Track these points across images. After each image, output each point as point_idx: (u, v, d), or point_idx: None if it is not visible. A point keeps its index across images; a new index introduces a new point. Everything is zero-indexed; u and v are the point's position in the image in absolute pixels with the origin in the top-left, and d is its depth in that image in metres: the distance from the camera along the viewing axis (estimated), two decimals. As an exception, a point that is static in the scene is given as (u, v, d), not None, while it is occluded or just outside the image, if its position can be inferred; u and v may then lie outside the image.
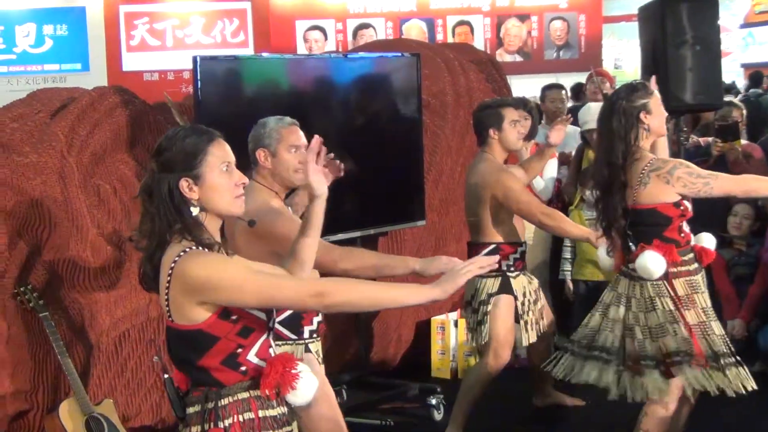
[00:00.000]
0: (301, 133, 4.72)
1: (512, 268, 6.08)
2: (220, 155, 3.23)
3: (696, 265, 5.10)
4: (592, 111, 8.04)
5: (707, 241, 5.21)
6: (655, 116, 5.04)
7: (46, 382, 5.70)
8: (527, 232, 6.66)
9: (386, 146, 6.87)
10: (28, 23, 12.99)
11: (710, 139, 8.15)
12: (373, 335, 7.30)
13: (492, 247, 6.06)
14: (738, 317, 7.34)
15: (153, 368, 6.04)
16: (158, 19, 13.53)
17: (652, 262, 4.96)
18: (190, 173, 3.19)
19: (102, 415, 5.56)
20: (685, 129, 7.65)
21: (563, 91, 9.02)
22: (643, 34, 7.52)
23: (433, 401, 6.78)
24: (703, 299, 5.04)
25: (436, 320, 7.69)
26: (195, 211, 3.21)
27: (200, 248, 3.17)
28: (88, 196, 5.86)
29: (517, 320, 6.10)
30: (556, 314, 6.71)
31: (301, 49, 14.23)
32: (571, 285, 7.84)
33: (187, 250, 3.14)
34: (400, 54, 7.36)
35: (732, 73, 16.15)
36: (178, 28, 13.57)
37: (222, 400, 3.21)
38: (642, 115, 5.00)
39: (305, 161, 4.60)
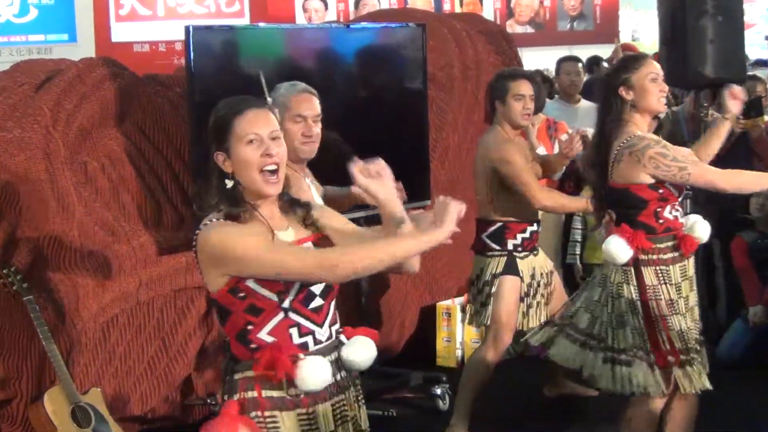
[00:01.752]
0: (316, 102, 4.69)
1: (519, 248, 6.08)
2: (245, 127, 3.33)
3: (674, 254, 5.01)
4: None
5: (700, 228, 5.11)
6: (641, 92, 4.96)
7: (30, 370, 5.71)
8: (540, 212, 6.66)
9: (390, 122, 6.84)
10: (11, -9, 12.93)
11: (732, 115, 8.11)
12: (375, 321, 7.30)
13: (498, 225, 6.07)
14: (760, 303, 7.34)
15: (143, 355, 6.05)
16: (149, -13, 13.48)
17: (614, 248, 4.93)
18: (222, 146, 3.34)
19: (89, 405, 5.56)
20: (705, 104, 7.63)
21: (579, 64, 9.01)
22: (662, 3, 7.49)
23: (438, 391, 6.79)
24: (670, 291, 4.96)
25: (442, 306, 7.70)
26: (229, 183, 3.35)
27: (225, 219, 3.32)
28: (74, 174, 5.86)
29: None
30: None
31: (301, 19, 14.18)
32: (581, 268, 7.84)
33: (213, 219, 3.31)
34: (404, 24, 7.34)
35: (756, 45, 16.08)
36: (170, -4, 13.53)
37: (235, 375, 3.37)
38: (622, 91, 4.95)
39: (309, 133, 4.57)
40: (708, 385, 5.01)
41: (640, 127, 4.99)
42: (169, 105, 6.34)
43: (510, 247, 6.07)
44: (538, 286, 6.18)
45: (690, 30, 7.01)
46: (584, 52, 12.27)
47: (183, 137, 6.20)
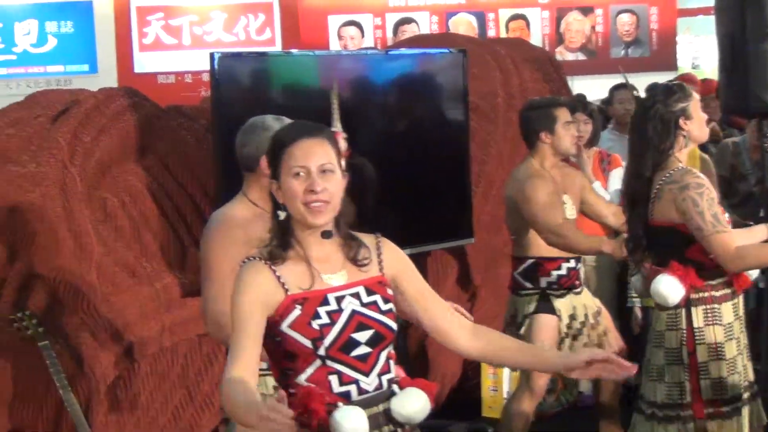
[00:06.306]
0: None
1: (555, 286, 6.06)
2: (292, 159, 3.34)
3: (725, 291, 4.93)
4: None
5: None
6: (695, 122, 4.97)
7: (47, 420, 5.73)
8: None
9: (430, 154, 6.86)
10: (29, 19, 13.05)
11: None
12: (416, 371, 7.28)
13: (530, 262, 6.08)
14: None
15: (167, 405, 6.05)
16: (174, 14, 13.56)
17: (665, 287, 4.84)
18: (275, 174, 3.39)
19: (108, 458, 5.59)
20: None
21: (635, 92, 8.96)
22: (720, 26, 7.45)
23: (483, 443, 6.77)
24: (717, 333, 4.88)
25: (487, 352, 7.65)
26: (282, 215, 3.40)
27: (265, 259, 3.38)
28: (92, 211, 5.89)
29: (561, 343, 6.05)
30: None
31: (335, 47, 14.25)
32: (639, 313, 7.74)
33: (251, 259, 3.39)
34: (445, 50, 7.36)
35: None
36: (197, 24, 13.61)
37: None
38: (681, 122, 4.94)
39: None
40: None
41: (682, 159, 4.98)
42: (194, 138, 6.37)
43: (543, 284, 6.06)
44: (582, 326, 6.13)
45: (750, 54, 6.96)
46: (639, 81, 12.23)
47: (208, 172, 6.22)
